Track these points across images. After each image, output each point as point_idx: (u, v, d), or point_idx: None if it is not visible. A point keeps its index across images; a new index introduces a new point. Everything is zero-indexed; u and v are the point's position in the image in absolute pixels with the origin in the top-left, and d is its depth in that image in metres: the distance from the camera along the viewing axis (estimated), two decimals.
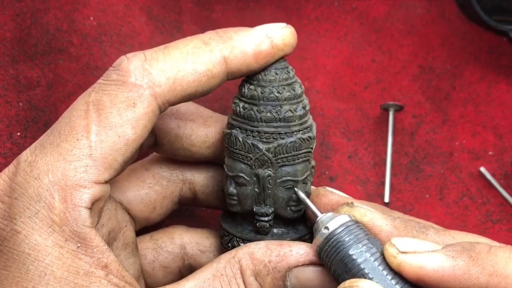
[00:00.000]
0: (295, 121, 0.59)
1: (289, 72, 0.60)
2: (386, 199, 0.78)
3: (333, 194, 0.59)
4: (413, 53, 0.84)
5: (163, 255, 0.66)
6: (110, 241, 0.61)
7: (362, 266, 0.51)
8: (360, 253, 0.52)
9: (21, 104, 0.73)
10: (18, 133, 0.72)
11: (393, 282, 0.51)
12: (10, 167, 0.55)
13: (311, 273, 0.55)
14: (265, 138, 0.59)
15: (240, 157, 0.59)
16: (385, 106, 0.81)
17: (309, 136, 0.60)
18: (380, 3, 0.86)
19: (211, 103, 0.78)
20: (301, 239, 0.61)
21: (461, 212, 0.79)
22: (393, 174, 0.80)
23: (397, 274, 0.52)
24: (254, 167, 0.59)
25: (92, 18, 0.78)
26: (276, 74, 0.59)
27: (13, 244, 0.52)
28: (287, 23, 0.84)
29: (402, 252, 0.51)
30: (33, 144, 0.55)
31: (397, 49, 0.85)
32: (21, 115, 0.72)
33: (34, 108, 0.73)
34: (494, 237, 0.77)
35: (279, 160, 0.59)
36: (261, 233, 0.61)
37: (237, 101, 0.60)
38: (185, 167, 0.66)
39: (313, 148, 0.61)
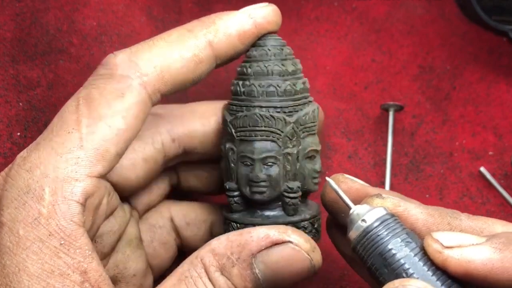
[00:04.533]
0: (306, 91, 0.60)
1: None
2: None
3: (353, 182, 0.59)
4: (413, 53, 0.84)
5: (157, 232, 0.66)
6: (116, 244, 0.61)
7: (402, 261, 0.51)
8: (400, 248, 0.51)
9: (21, 104, 0.72)
10: (18, 133, 0.72)
11: (434, 278, 0.51)
12: (9, 166, 0.55)
13: (276, 254, 0.53)
14: (288, 112, 0.58)
15: (264, 134, 0.58)
16: (385, 106, 0.81)
17: (316, 107, 0.61)
18: (380, 3, 0.86)
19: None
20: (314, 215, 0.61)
21: (461, 212, 0.79)
22: (393, 174, 0.80)
23: (438, 269, 0.51)
24: (281, 144, 0.58)
25: (92, 18, 0.78)
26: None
27: None
28: (287, 23, 0.85)
29: (447, 247, 0.51)
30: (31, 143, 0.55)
31: (397, 49, 0.85)
32: (21, 115, 0.72)
33: (34, 108, 0.73)
34: None
35: (304, 132, 0.59)
36: (289, 214, 0.60)
37: (255, 81, 0.59)
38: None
39: None
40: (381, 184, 0.79)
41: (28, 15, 0.76)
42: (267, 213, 0.60)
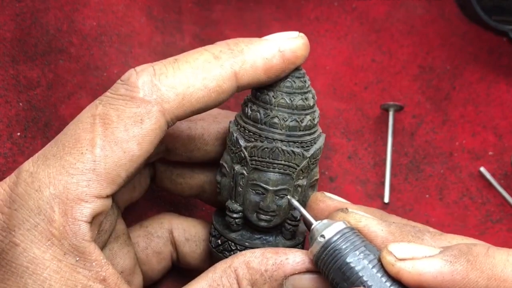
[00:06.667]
0: (318, 122, 0.60)
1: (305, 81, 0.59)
2: (386, 200, 0.78)
3: (331, 200, 0.59)
4: (413, 53, 0.85)
5: (154, 241, 0.67)
6: (106, 240, 0.61)
7: (360, 274, 0.51)
8: (358, 261, 0.51)
9: (21, 104, 0.73)
10: (18, 133, 0.72)
11: None
12: (12, 177, 0.54)
13: (308, 281, 0.54)
14: (306, 146, 0.58)
15: (282, 167, 0.58)
16: (385, 106, 0.81)
17: (324, 138, 0.61)
18: (380, 3, 0.86)
19: None
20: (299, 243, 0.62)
21: (461, 212, 0.79)
22: (393, 174, 0.80)
23: (396, 280, 0.51)
24: (294, 177, 0.59)
25: (92, 18, 0.78)
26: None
27: (11, 257, 0.52)
28: (287, 23, 0.85)
29: (400, 259, 0.51)
30: (36, 154, 0.55)
31: (397, 49, 0.85)
32: (21, 115, 0.72)
33: (34, 108, 0.73)
34: (494, 237, 0.77)
35: (314, 164, 0.59)
36: (287, 238, 0.61)
37: (279, 113, 0.58)
38: None
39: None
40: (381, 184, 0.79)
41: (28, 15, 0.76)
42: (266, 237, 0.61)
